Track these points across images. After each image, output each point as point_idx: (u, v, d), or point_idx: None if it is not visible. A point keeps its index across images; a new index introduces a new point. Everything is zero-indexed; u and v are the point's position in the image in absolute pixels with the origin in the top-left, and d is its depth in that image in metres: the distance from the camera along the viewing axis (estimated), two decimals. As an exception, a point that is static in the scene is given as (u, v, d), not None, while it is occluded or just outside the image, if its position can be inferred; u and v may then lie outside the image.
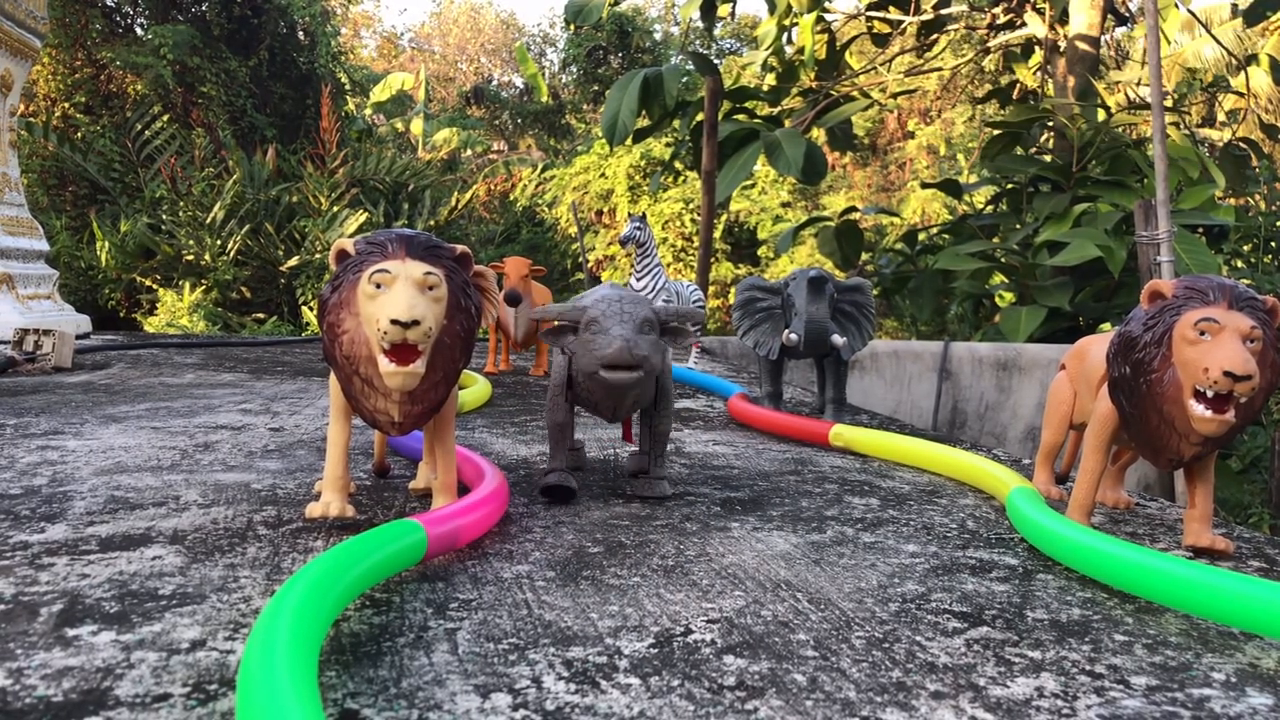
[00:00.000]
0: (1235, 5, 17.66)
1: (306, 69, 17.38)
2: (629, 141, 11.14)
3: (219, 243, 13.08)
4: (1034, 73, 12.37)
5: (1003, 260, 10.09)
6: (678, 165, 16.71)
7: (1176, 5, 12.14)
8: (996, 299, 11.89)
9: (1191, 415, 2.02)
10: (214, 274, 12.97)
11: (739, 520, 2.44)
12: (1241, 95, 13.37)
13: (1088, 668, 1.53)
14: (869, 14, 12.52)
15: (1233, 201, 11.36)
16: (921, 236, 12.12)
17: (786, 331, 4.01)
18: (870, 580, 1.96)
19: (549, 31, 35.30)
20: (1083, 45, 10.35)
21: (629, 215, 6.51)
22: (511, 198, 19.98)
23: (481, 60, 36.79)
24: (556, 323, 2.56)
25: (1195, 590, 1.69)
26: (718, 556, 2.09)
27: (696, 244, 13.11)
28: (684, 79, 13.07)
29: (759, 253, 19.88)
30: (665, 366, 2.69)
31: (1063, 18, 10.72)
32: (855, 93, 12.42)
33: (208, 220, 13.05)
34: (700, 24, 15.28)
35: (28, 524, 2.15)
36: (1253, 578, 1.68)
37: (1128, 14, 11.90)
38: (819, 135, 13.69)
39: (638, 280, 6.32)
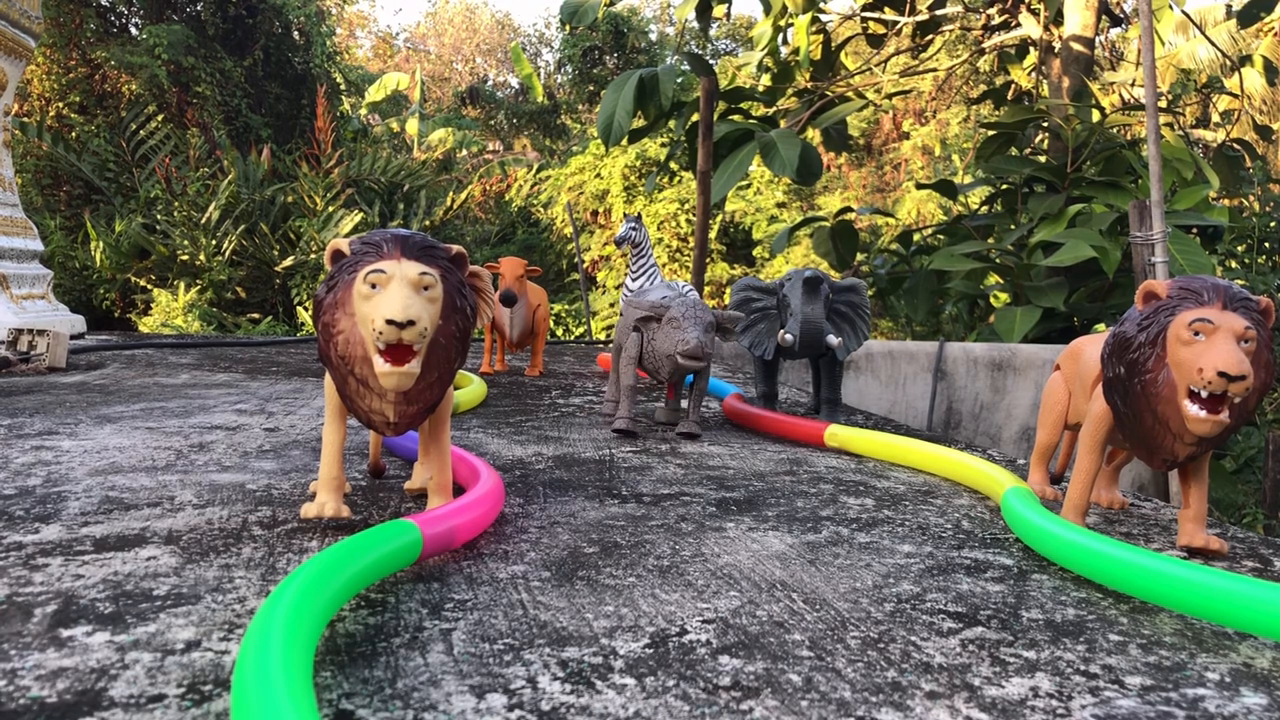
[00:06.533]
0: (1229, 6, 17.72)
1: (301, 69, 17.35)
2: (624, 142, 11.10)
3: (214, 243, 13.05)
4: (1029, 73, 12.39)
5: (997, 261, 10.09)
6: (673, 166, 16.70)
7: (1171, 6, 12.17)
8: (991, 299, 11.90)
9: (1186, 415, 2.03)
10: (209, 274, 12.94)
11: (734, 520, 2.44)
12: (1235, 96, 13.39)
13: (1082, 668, 1.53)
14: (864, 15, 12.52)
15: (1227, 202, 11.38)
16: (916, 237, 12.11)
17: (782, 332, 4.01)
18: (865, 580, 1.96)
19: (544, 32, 35.33)
20: (1077, 46, 10.36)
21: (624, 215, 6.50)
22: (507, 198, 19.96)
23: (477, 60, 36.77)
24: (646, 314, 3.70)
25: (1190, 590, 1.70)
26: (713, 557, 2.09)
27: (692, 244, 13.11)
28: (679, 79, 13.05)
29: (754, 253, 19.88)
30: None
31: (1057, 19, 10.73)
32: (850, 93, 12.42)
33: (202, 220, 13.02)
34: (695, 25, 15.27)
35: (22, 524, 2.14)
36: (1247, 578, 1.68)
37: (1122, 15, 11.92)
38: (814, 136, 13.69)
39: (633, 280, 6.31)
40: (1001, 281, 10.72)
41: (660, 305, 3.68)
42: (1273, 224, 9.33)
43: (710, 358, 3.57)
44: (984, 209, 11.97)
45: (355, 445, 3.28)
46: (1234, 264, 9.40)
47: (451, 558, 2.01)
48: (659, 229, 18.97)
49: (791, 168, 9.33)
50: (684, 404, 4.53)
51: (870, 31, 12.78)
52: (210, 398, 4.51)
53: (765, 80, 12.52)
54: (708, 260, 14.35)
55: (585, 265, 18.79)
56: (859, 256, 12.18)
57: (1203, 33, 15.12)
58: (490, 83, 34.06)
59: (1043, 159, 10.80)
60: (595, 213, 20.14)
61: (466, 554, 2.05)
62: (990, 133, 11.30)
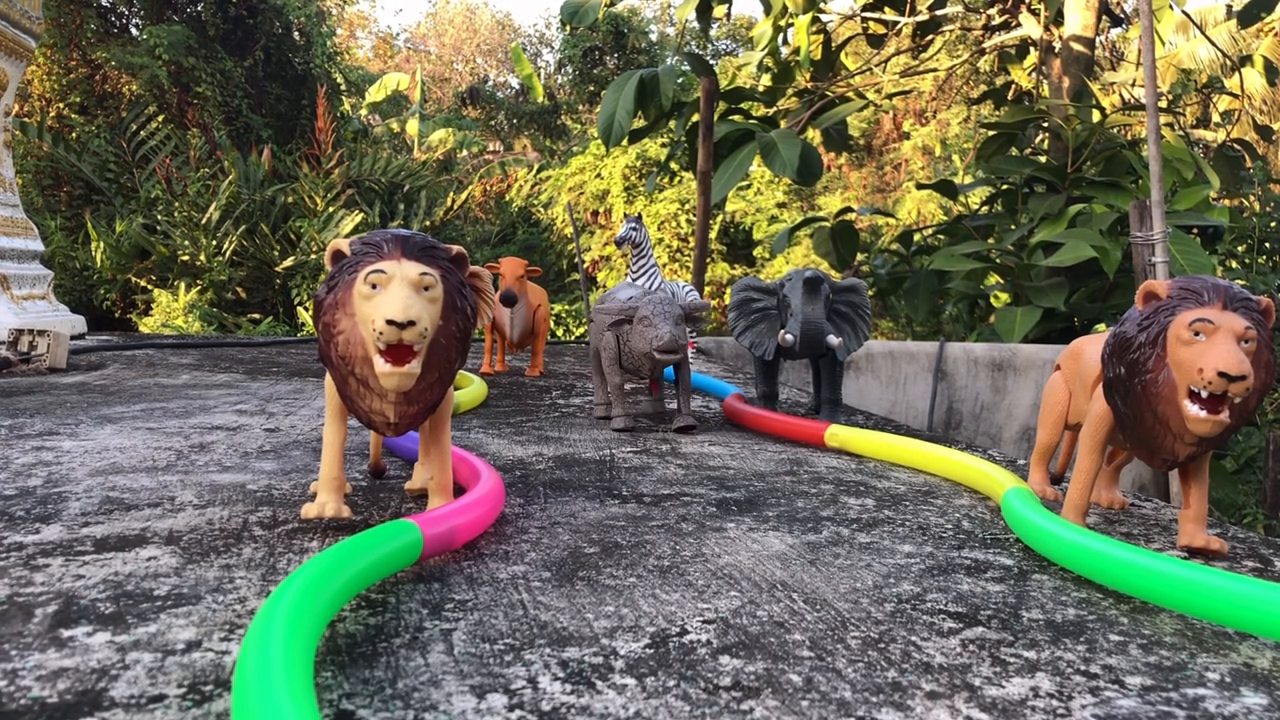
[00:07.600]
0: (1230, 6, 17.72)
1: (302, 69, 17.34)
2: (625, 142, 11.12)
3: (214, 243, 13.04)
4: (1029, 74, 12.39)
5: (998, 261, 10.10)
6: (673, 166, 16.69)
7: (1171, 6, 12.16)
8: (992, 299, 11.91)
9: (1186, 416, 2.03)
10: (209, 274, 12.94)
11: (735, 521, 2.44)
12: (1236, 96, 13.39)
13: (1083, 668, 1.53)
14: (864, 15, 12.52)
15: (1227, 202, 11.38)
16: (917, 237, 12.11)
17: (782, 332, 4.01)
18: (866, 580, 1.96)
19: (545, 32, 35.30)
20: (1077, 46, 10.36)
21: (625, 216, 6.50)
22: (507, 198, 19.96)
23: (477, 61, 36.76)
24: (617, 317, 3.86)
25: (1190, 590, 1.70)
26: (713, 557, 2.09)
27: (692, 244, 13.12)
28: (680, 80, 13.06)
29: (754, 253, 19.88)
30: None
31: (1057, 19, 10.73)
32: (850, 93, 12.42)
33: (203, 221, 13.02)
34: (696, 25, 15.27)
35: (23, 525, 2.14)
36: (1247, 578, 1.68)
37: (1122, 15, 11.91)
38: (814, 136, 13.69)
39: (634, 280, 6.31)
40: (1002, 281, 10.73)
41: (629, 307, 3.88)
42: (1273, 224, 9.32)
43: (685, 349, 3.76)
44: (984, 209, 11.97)
45: (356, 445, 3.28)
46: (1234, 264, 9.40)
47: (452, 558, 2.01)
48: (659, 229, 18.97)
49: (792, 168, 9.33)
50: (670, 404, 4.72)
51: (870, 31, 12.78)
52: (210, 398, 4.52)
53: (765, 80, 12.53)
54: (708, 260, 14.34)
55: (585, 265, 18.79)
56: (859, 256, 12.18)
57: (1203, 33, 15.12)
58: (490, 83, 34.06)
59: (1043, 159, 10.80)
60: (595, 213, 20.14)
61: (467, 554, 2.05)
62: (990, 133, 11.31)
